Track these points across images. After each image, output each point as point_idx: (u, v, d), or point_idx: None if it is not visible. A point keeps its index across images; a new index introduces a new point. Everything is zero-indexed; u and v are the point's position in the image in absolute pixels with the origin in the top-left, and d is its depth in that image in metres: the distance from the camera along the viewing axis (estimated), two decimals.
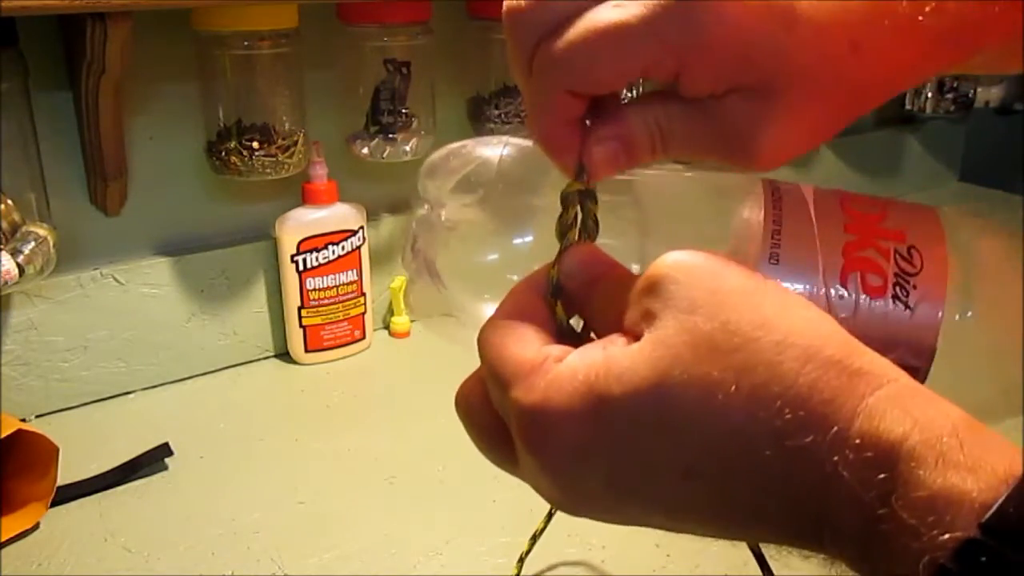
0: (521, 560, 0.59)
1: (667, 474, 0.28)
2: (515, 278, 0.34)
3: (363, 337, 0.96)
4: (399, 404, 0.86)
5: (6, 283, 0.69)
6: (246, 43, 0.80)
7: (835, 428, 0.26)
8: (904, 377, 0.27)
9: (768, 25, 0.30)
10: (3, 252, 0.70)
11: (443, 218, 0.40)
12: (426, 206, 0.41)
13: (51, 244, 0.73)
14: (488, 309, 0.33)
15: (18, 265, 0.70)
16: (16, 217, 0.72)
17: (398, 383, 0.90)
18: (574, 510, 0.31)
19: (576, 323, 0.33)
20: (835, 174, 1.40)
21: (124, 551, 0.65)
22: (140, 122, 0.82)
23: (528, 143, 0.37)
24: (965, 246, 0.35)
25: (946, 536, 0.23)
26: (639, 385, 0.27)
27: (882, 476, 0.25)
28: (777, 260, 0.34)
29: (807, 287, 0.34)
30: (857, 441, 0.25)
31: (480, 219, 0.38)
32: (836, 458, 0.26)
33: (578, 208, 0.33)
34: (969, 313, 0.34)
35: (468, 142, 0.40)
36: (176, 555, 0.65)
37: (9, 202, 0.72)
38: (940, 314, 0.33)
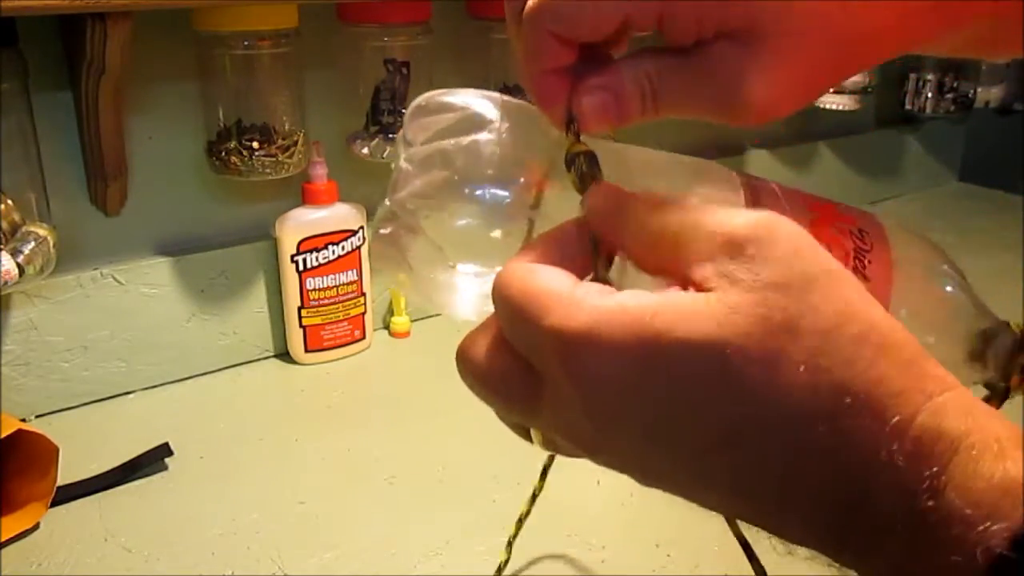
0: (509, 544, 0.58)
1: (708, 435, 0.27)
2: (498, 234, 0.34)
3: (363, 337, 0.96)
4: (399, 404, 0.86)
5: (6, 283, 0.69)
6: (246, 43, 0.80)
7: (897, 418, 0.25)
8: (963, 388, 0.27)
9: None
10: (3, 252, 0.70)
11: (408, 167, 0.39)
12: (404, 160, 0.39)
13: (51, 244, 0.73)
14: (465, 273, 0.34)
15: (18, 265, 0.70)
16: (16, 217, 0.72)
17: (398, 383, 0.90)
18: (596, 450, 0.30)
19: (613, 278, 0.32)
20: (835, 174, 1.40)
21: (124, 551, 0.65)
22: (140, 122, 0.82)
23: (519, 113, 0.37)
24: (902, 250, 0.38)
25: (1003, 525, 0.23)
26: (704, 338, 0.26)
27: (935, 469, 0.24)
28: None
29: None
30: (917, 434, 0.25)
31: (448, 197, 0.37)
32: (894, 446, 0.25)
33: (583, 166, 0.33)
34: (903, 311, 0.37)
35: (460, 95, 0.38)
36: (176, 555, 0.65)
37: (9, 202, 0.72)
38: (889, 294, 0.36)
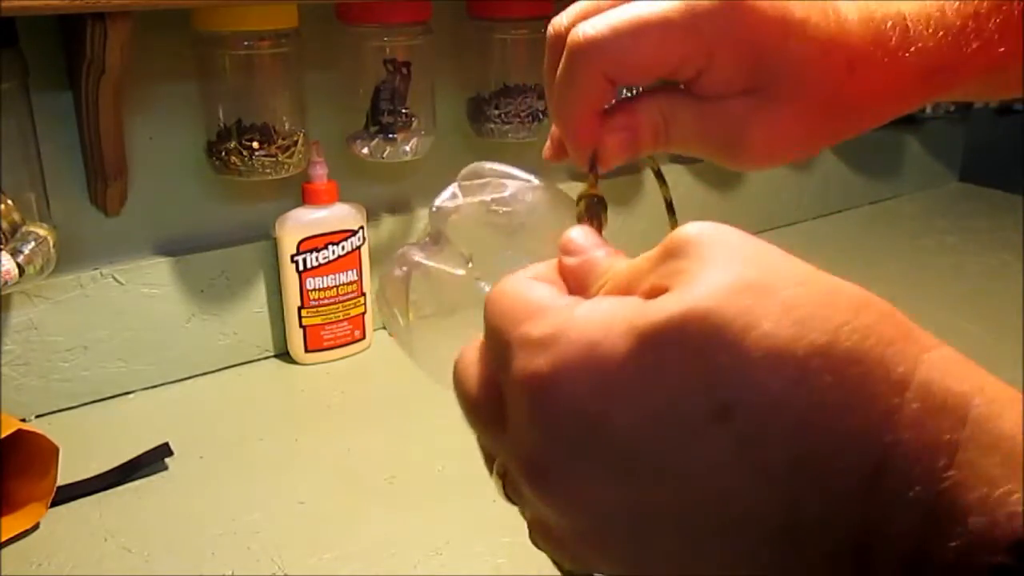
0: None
1: (697, 415, 0.23)
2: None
3: (363, 337, 0.96)
4: (399, 404, 0.86)
5: (6, 283, 0.69)
6: (246, 43, 0.80)
7: (900, 368, 0.23)
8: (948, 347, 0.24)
9: (783, 33, 0.33)
10: (3, 252, 0.70)
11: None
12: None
13: (51, 244, 0.73)
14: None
15: (18, 265, 0.70)
16: (16, 217, 0.72)
17: (398, 383, 0.90)
18: (552, 478, 0.25)
19: None
20: (835, 174, 1.40)
21: (124, 551, 0.65)
22: (140, 122, 0.82)
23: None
24: None
25: None
26: (671, 313, 0.23)
27: (950, 427, 0.22)
28: None
29: None
30: (920, 392, 0.23)
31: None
32: (898, 402, 0.22)
33: (583, 211, 0.35)
34: None
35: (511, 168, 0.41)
36: (176, 555, 0.65)
37: (9, 202, 0.72)
38: None
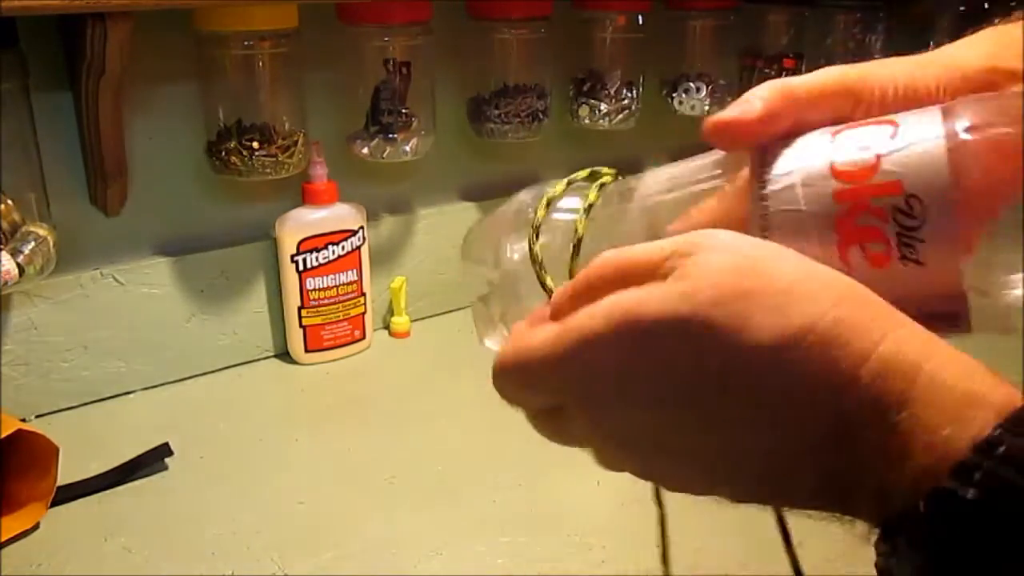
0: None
1: (707, 387, 0.30)
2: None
3: (363, 337, 0.96)
4: (399, 404, 0.86)
5: (6, 283, 0.69)
6: (246, 43, 0.80)
7: (860, 345, 0.28)
8: (920, 326, 0.29)
9: None
10: (3, 252, 0.70)
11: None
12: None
13: (51, 244, 0.73)
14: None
15: (18, 265, 0.70)
16: (16, 217, 0.72)
17: (398, 383, 0.90)
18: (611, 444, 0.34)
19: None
20: None
21: (124, 551, 0.65)
22: (140, 122, 0.82)
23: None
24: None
25: (967, 432, 0.26)
26: (671, 309, 0.30)
27: (902, 387, 0.27)
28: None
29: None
30: (881, 358, 0.28)
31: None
32: (860, 370, 0.28)
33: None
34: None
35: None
36: (176, 555, 0.65)
37: (9, 202, 0.72)
38: (956, 256, 0.30)
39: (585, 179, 0.42)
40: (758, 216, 0.33)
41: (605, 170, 0.42)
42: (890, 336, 0.28)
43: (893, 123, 0.32)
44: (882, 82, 0.35)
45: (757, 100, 0.35)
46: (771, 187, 0.33)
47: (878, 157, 0.31)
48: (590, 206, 0.39)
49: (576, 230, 0.39)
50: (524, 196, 0.43)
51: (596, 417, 0.33)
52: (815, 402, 0.28)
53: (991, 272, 0.30)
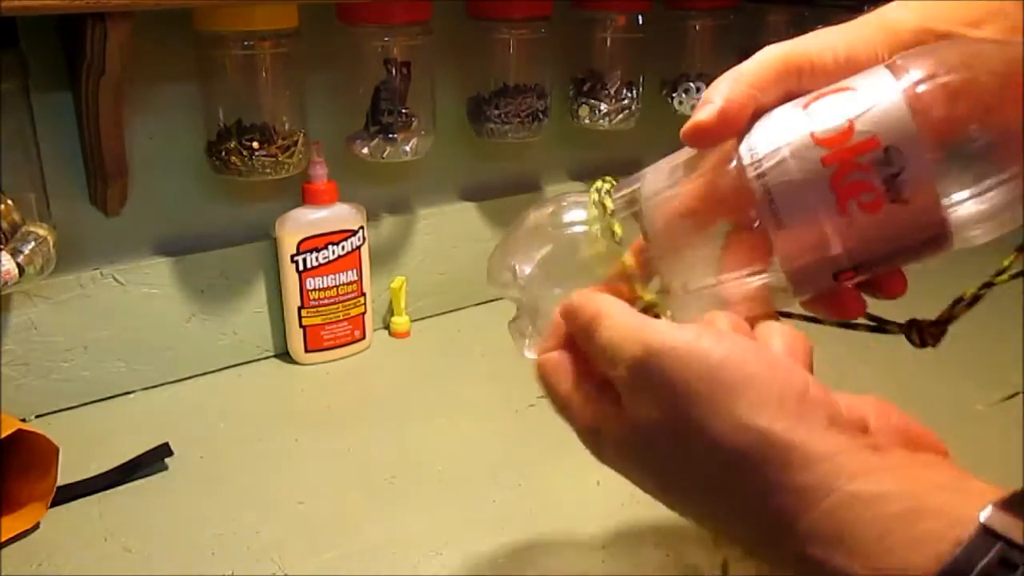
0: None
1: (677, 454, 0.36)
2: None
3: (363, 337, 0.96)
4: (399, 404, 0.86)
5: (6, 283, 0.69)
6: (246, 43, 0.80)
7: (783, 463, 0.32)
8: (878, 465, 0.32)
9: None
10: (3, 252, 0.70)
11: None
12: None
13: (51, 244, 0.73)
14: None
15: (18, 265, 0.70)
16: (16, 217, 0.72)
17: (398, 383, 0.90)
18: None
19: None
20: None
21: (124, 551, 0.65)
22: (140, 122, 0.82)
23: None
24: None
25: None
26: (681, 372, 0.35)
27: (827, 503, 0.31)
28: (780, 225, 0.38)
29: (813, 227, 0.37)
30: (826, 508, 0.31)
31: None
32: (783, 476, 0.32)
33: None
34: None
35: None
36: (176, 555, 0.65)
37: (9, 202, 0.72)
38: (934, 189, 0.35)
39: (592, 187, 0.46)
40: (761, 191, 0.37)
41: (608, 178, 0.46)
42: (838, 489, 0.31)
43: (850, 88, 0.37)
44: (822, 52, 0.39)
45: (718, 98, 0.38)
46: (765, 164, 0.38)
47: (850, 121, 0.36)
48: (612, 212, 0.43)
49: (614, 231, 0.43)
50: (533, 215, 0.46)
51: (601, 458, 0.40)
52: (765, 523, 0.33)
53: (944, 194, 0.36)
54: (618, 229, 0.42)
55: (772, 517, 0.32)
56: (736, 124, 0.39)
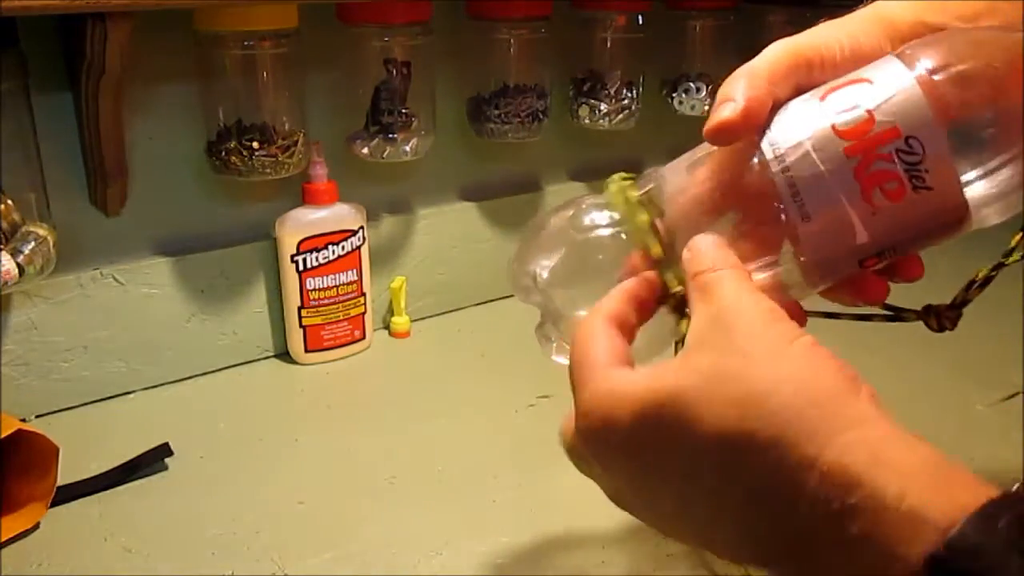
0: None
1: (674, 472, 0.35)
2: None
3: (363, 337, 0.96)
4: (399, 404, 0.86)
5: (6, 283, 0.69)
6: (246, 43, 0.80)
7: (811, 450, 0.31)
8: (880, 422, 0.32)
9: None
10: (3, 252, 0.70)
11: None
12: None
13: (51, 244, 0.73)
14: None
15: (18, 265, 0.70)
16: (16, 217, 0.72)
17: (398, 383, 0.90)
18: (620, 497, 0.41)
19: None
20: None
21: (124, 551, 0.65)
22: (140, 122, 0.82)
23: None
24: None
25: (913, 551, 0.28)
26: (660, 398, 0.35)
27: (846, 497, 0.30)
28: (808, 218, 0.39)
29: (840, 217, 0.38)
30: (825, 468, 0.30)
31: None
32: (807, 474, 0.31)
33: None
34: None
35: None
36: (176, 555, 0.65)
37: (9, 202, 0.72)
38: (955, 174, 0.37)
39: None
40: (786, 185, 0.38)
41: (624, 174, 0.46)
42: (837, 442, 0.31)
43: (866, 80, 0.38)
44: (828, 45, 0.40)
45: (739, 95, 0.39)
46: (789, 158, 0.38)
47: (869, 112, 0.37)
48: (638, 202, 0.43)
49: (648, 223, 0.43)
50: (551, 219, 0.46)
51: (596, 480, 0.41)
52: (764, 506, 0.32)
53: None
54: (645, 217, 0.42)
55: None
56: (759, 120, 0.39)
